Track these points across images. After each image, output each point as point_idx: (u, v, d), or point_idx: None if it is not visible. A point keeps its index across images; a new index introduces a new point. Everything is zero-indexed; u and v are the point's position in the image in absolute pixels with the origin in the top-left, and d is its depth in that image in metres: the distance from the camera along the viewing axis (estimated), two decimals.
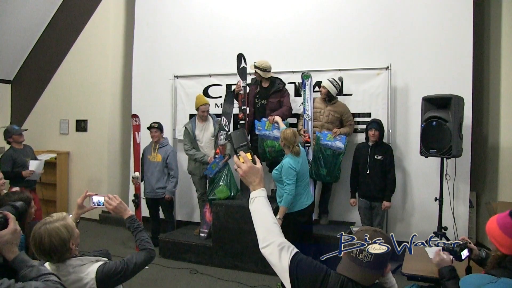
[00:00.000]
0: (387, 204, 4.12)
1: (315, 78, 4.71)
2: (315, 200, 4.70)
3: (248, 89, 4.74)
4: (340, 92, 4.64)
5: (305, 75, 4.60)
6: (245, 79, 4.71)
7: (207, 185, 4.81)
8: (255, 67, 4.51)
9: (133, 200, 4.95)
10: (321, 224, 4.54)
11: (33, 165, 4.54)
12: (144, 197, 5.05)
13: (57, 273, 1.69)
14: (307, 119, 4.55)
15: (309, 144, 4.49)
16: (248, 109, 4.64)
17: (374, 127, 4.12)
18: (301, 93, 4.70)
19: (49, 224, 1.64)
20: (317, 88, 4.76)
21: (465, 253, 2.09)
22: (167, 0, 5.69)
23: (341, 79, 4.58)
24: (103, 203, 1.95)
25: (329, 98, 4.47)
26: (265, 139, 4.42)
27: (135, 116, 5.11)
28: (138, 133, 5.07)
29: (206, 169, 4.63)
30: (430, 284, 2.44)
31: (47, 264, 1.74)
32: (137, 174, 4.92)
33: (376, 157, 4.13)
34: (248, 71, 4.73)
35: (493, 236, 1.80)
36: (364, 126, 4.44)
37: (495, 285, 1.51)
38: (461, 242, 2.11)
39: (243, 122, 4.62)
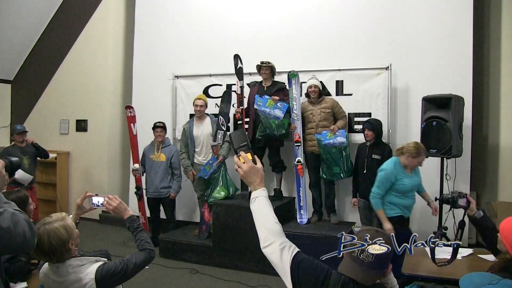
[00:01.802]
0: None
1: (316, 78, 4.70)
2: (322, 201, 4.71)
3: (245, 86, 4.77)
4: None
5: (292, 74, 4.58)
6: (242, 79, 4.72)
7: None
8: (268, 63, 4.51)
9: (135, 192, 4.98)
10: (332, 223, 4.52)
11: (18, 173, 4.55)
12: (146, 196, 5.05)
13: (57, 273, 1.69)
14: (295, 118, 4.54)
15: (299, 144, 4.49)
16: (242, 109, 4.66)
17: (367, 127, 4.14)
18: (288, 92, 4.62)
19: (48, 225, 1.64)
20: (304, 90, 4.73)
21: (462, 201, 2.03)
22: (167, 0, 5.69)
23: (314, 75, 4.59)
24: (102, 203, 1.95)
25: (318, 95, 4.46)
26: (268, 118, 4.37)
27: (129, 107, 5.17)
28: (133, 124, 5.11)
29: (200, 171, 4.64)
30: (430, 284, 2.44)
31: (46, 265, 1.74)
32: (137, 165, 4.94)
33: (373, 156, 4.13)
34: (246, 71, 4.75)
35: (505, 238, 1.74)
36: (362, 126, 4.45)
37: (495, 287, 1.49)
38: (462, 192, 2.07)
39: (240, 122, 4.63)
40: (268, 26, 5.12)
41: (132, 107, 5.16)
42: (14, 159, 1.66)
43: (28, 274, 2.42)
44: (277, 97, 4.40)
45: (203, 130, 4.79)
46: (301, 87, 4.69)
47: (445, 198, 2.09)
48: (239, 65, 4.71)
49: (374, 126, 4.14)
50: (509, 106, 4.35)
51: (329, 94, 4.75)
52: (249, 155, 1.46)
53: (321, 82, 4.61)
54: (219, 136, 4.68)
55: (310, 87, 4.45)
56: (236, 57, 4.72)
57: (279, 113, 4.37)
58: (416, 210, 4.56)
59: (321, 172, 4.50)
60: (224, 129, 4.71)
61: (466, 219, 2.23)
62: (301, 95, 4.64)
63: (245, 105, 4.74)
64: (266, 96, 4.43)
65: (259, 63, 4.56)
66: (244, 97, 4.76)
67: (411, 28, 4.60)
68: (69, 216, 1.80)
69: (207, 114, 4.88)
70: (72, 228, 1.71)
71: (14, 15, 6.03)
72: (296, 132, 4.50)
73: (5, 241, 1.29)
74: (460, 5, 4.42)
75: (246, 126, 4.69)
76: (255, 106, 4.45)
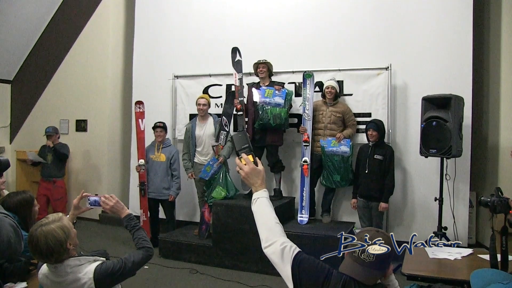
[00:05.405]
0: (384, 205, 4.13)
1: (315, 78, 4.71)
2: (318, 199, 4.72)
3: (245, 87, 4.80)
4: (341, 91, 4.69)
5: (307, 74, 4.61)
6: (241, 72, 4.75)
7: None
8: (265, 62, 4.57)
9: (140, 188, 4.98)
10: (323, 223, 4.54)
11: (31, 155, 5.49)
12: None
13: (55, 273, 1.69)
14: (306, 118, 4.55)
15: (307, 144, 4.49)
16: (241, 100, 4.69)
17: (372, 127, 4.16)
18: (301, 92, 4.70)
19: (44, 226, 1.63)
20: (317, 89, 4.76)
21: (503, 206, 1.93)
22: (167, 0, 5.69)
23: (334, 78, 4.64)
24: (99, 203, 1.95)
25: (334, 98, 4.47)
26: (268, 106, 4.42)
27: (139, 102, 5.20)
28: (142, 120, 5.17)
29: (201, 172, 4.63)
30: (430, 284, 2.43)
31: (44, 265, 1.74)
32: (142, 161, 4.95)
33: (375, 156, 4.14)
34: (246, 72, 4.79)
35: None
36: (364, 126, 4.46)
37: (505, 286, 1.46)
38: (502, 196, 1.98)
39: (241, 113, 4.63)
40: (268, 26, 5.12)
41: (142, 103, 5.20)
42: (2, 158, 1.68)
43: (28, 274, 2.42)
44: (279, 86, 4.48)
45: (206, 130, 4.78)
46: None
47: (483, 202, 1.97)
48: (238, 57, 4.77)
49: (379, 126, 4.17)
50: (509, 106, 4.34)
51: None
52: (250, 157, 1.49)
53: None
54: (222, 137, 4.68)
55: (327, 87, 4.47)
56: (235, 50, 4.77)
57: (280, 100, 4.43)
58: (416, 210, 4.58)
59: (321, 178, 4.51)
60: (227, 130, 4.72)
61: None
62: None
63: (245, 101, 4.75)
64: (263, 87, 4.50)
65: (256, 61, 4.61)
66: (243, 86, 4.79)
67: (411, 28, 4.60)
68: (66, 216, 1.79)
69: (210, 114, 4.88)
70: (69, 228, 1.70)
71: (14, 15, 6.02)
72: (305, 132, 4.50)
73: None
74: (460, 5, 4.42)
75: (246, 119, 4.70)
76: (254, 99, 4.50)
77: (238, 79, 4.73)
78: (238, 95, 4.70)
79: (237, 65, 4.76)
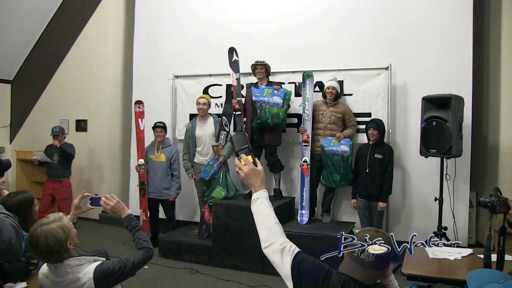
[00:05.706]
0: (382, 205, 4.13)
1: (315, 78, 4.71)
2: (318, 199, 4.72)
3: (244, 87, 4.81)
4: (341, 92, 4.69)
5: (307, 75, 4.62)
6: (238, 71, 4.76)
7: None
8: (263, 63, 4.58)
9: (140, 187, 4.98)
10: (324, 223, 4.54)
11: (38, 155, 5.39)
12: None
13: (55, 273, 1.69)
14: (306, 118, 4.56)
15: (307, 144, 4.50)
16: (239, 100, 4.69)
17: (373, 127, 4.16)
18: (301, 92, 4.70)
19: (44, 226, 1.63)
20: (317, 89, 4.77)
21: (502, 207, 1.94)
22: (167, 1, 5.69)
23: (335, 78, 4.64)
24: (100, 203, 1.95)
25: (334, 98, 4.47)
26: (266, 106, 4.42)
27: (139, 102, 5.21)
28: (141, 120, 5.17)
29: (201, 172, 4.64)
30: (430, 284, 2.44)
31: (45, 265, 1.74)
32: (142, 161, 4.95)
33: (376, 156, 4.15)
34: (246, 72, 4.80)
35: None
36: (364, 126, 4.46)
37: (501, 286, 1.47)
38: (502, 196, 1.98)
39: (239, 113, 4.63)
40: (268, 26, 5.12)
41: (142, 102, 5.20)
42: (4, 158, 1.68)
43: (28, 274, 2.42)
44: (277, 86, 4.48)
45: (206, 130, 4.78)
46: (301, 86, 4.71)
47: (483, 203, 1.99)
48: (235, 57, 4.78)
49: (379, 125, 4.17)
50: (509, 106, 4.34)
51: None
52: (249, 158, 1.49)
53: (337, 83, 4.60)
54: (222, 137, 4.69)
55: (328, 87, 4.47)
56: (232, 50, 4.78)
57: (278, 100, 4.44)
58: (416, 210, 4.58)
59: (321, 178, 4.51)
60: (228, 130, 4.72)
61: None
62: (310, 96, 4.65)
63: (243, 100, 4.76)
64: (262, 86, 4.51)
65: (254, 63, 4.62)
66: (242, 86, 4.80)
67: (411, 28, 4.60)
68: (66, 216, 1.79)
69: (210, 114, 4.88)
70: (70, 228, 1.70)
71: (14, 15, 6.03)
72: (305, 132, 4.50)
73: None
74: (460, 5, 4.42)
75: (245, 119, 4.71)
76: (254, 98, 4.50)
77: (236, 79, 4.73)
78: (236, 95, 4.71)
79: (234, 65, 4.77)
